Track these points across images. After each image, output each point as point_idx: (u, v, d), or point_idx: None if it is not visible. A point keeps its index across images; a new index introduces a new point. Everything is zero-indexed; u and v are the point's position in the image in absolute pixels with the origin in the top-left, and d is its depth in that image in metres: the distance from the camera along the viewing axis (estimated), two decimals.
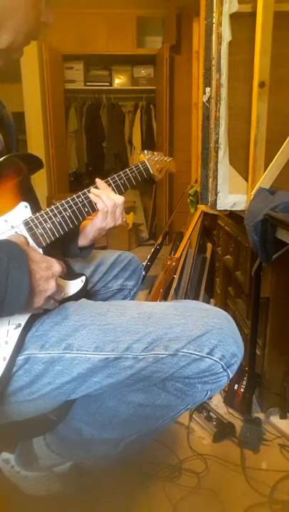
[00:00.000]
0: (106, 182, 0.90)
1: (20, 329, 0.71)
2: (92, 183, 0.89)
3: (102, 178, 0.91)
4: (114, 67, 3.96)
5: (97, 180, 0.90)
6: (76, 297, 0.80)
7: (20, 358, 0.72)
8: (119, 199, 0.89)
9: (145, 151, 1.02)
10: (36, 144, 3.49)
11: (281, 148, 1.22)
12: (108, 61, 3.89)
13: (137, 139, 4.21)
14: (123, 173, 0.93)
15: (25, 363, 0.72)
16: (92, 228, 0.92)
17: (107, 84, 4.00)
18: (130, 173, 0.94)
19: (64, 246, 0.94)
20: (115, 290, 1.12)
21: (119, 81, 4.01)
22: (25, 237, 0.72)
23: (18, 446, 0.99)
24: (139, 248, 3.84)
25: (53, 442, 0.97)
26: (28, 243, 0.71)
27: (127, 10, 3.55)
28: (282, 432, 1.29)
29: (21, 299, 0.62)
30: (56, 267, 0.69)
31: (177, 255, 2.13)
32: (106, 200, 0.87)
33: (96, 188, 0.88)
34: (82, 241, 0.95)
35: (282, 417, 1.34)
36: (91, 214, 0.87)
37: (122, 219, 0.91)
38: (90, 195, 0.86)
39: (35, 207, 0.78)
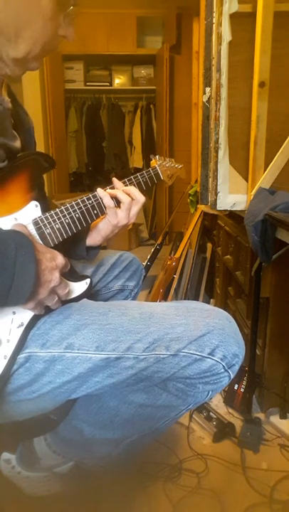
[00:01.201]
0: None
1: (22, 328, 0.71)
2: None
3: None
4: (114, 67, 3.97)
5: (114, 179, 0.89)
6: (79, 299, 0.80)
7: (21, 356, 0.72)
8: (141, 197, 0.89)
9: (157, 157, 1.02)
10: (36, 144, 3.49)
11: (281, 148, 1.22)
12: (108, 61, 3.89)
13: (137, 139, 4.21)
14: (134, 177, 0.93)
15: (26, 361, 0.72)
16: (104, 225, 0.91)
17: (107, 84, 4.00)
18: (141, 178, 0.94)
19: (71, 247, 0.94)
20: (116, 290, 1.12)
21: (119, 81, 4.01)
22: (26, 227, 0.73)
23: (19, 446, 0.99)
24: (139, 248, 3.84)
25: (54, 442, 0.97)
26: (30, 233, 0.73)
27: (127, 10, 3.55)
28: (282, 432, 1.29)
29: (27, 287, 0.63)
30: (60, 258, 0.71)
31: (177, 255, 2.13)
32: (121, 195, 0.86)
33: (112, 187, 0.88)
34: (94, 238, 0.93)
35: (282, 417, 1.34)
36: (100, 216, 0.86)
37: (135, 218, 0.90)
38: (108, 191, 0.86)
39: (45, 206, 0.78)
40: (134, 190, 0.88)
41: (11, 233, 0.66)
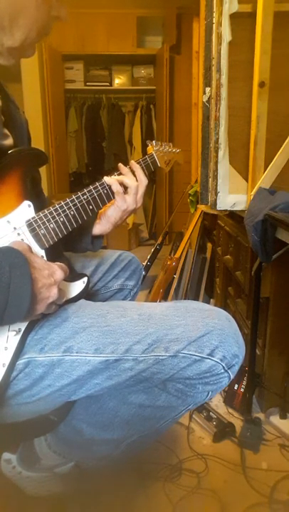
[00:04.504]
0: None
1: (20, 335, 0.70)
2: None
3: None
4: (114, 67, 3.96)
5: (120, 165, 0.90)
6: (77, 299, 0.79)
7: (21, 362, 0.71)
8: (145, 179, 0.90)
9: (153, 142, 0.99)
10: (36, 144, 3.40)
11: (281, 148, 1.22)
12: (108, 61, 3.89)
13: (137, 139, 4.21)
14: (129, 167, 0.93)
15: (25, 366, 0.72)
16: (114, 211, 0.91)
17: (107, 84, 4.00)
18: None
19: (77, 240, 0.93)
20: (115, 290, 1.12)
21: (119, 81, 4.01)
22: (28, 245, 0.71)
23: (20, 446, 0.99)
24: (139, 248, 3.84)
25: (55, 443, 0.97)
26: (30, 249, 0.71)
27: (127, 10, 3.55)
28: (282, 432, 1.29)
29: (23, 308, 0.62)
30: (59, 273, 0.68)
31: (177, 255, 2.13)
32: (128, 180, 0.88)
33: (119, 174, 0.89)
34: (104, 225, 0.93)
35: (282, 417, 1.34)
36: (95, 212, 0.86)
37: (141, 203, 0.91)
38: (114, 177, 0.87)
39: (40, 205, 0.76)
40: (139, 170, 0.90)
41: (6, 252, 0.63)
